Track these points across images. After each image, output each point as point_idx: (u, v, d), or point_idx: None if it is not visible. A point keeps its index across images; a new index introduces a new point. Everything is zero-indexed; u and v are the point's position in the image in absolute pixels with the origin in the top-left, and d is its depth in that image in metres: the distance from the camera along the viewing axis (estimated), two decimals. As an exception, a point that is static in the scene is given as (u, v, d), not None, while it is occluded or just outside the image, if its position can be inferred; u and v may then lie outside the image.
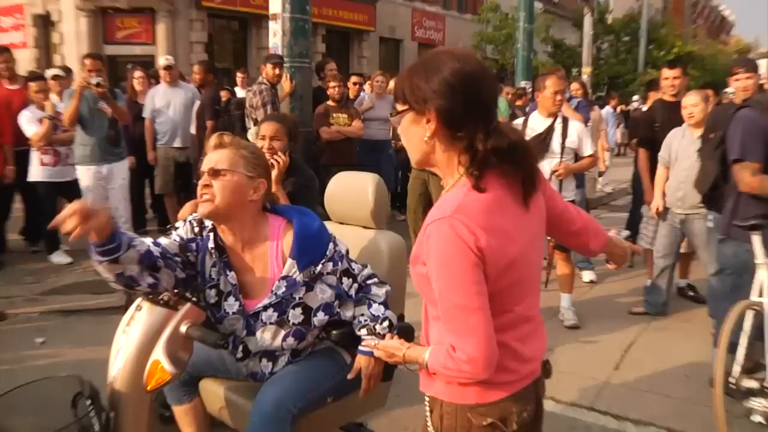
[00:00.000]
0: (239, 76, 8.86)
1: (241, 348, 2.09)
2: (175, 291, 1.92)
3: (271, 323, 2.02)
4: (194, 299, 1.87)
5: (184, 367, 1.84)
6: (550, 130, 4.30)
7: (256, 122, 5.47)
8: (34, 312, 4.64)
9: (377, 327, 2.04)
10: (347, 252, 2.10)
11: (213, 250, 2.04)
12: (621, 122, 14.26)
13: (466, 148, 1.35)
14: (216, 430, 2.31)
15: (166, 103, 6.44)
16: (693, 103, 4.23)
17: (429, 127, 1.36)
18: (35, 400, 1.78)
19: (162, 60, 6.69)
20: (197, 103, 6.26)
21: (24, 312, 4.62)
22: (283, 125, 3.20)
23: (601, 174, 9.00)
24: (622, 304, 4.91)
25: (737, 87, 3.98)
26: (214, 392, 2.24)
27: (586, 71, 15.78)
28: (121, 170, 5.54)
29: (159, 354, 1.78)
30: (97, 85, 5.12)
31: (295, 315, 2.01)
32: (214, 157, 1.99)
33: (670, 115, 4.66)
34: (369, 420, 2.73)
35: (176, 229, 2.54)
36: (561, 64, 20.75)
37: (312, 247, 1.99)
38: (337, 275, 2.03)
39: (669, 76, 4.89)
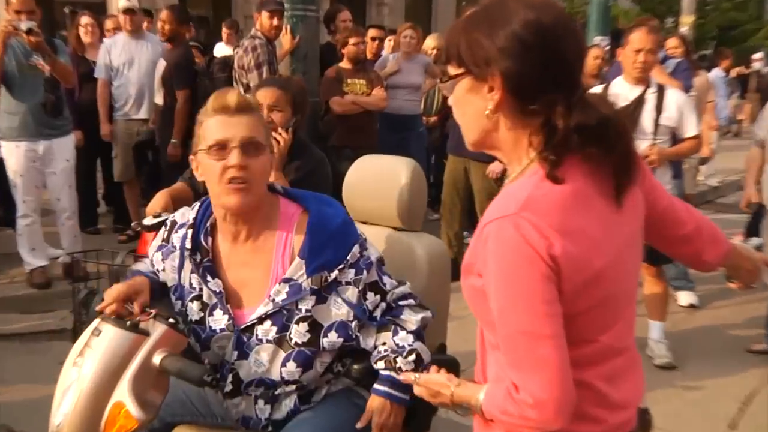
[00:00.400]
0: (225, 31, 8.89)
1: (230, 378, 2.11)
2: (146, 309, 1.95)
3: (268, 341, 2.04)
4: (172, 320, 1.89)
5: (156, 411, 1.86)
6: (639, 101, 4.29)
7: (247, 88, 5.50)
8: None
9: (399, 360, 2.05)
10: (380, 261, 2.12)
11: (189, 252, 2.10)
12: (735, 91, 14.08)
13: (541, 125, 1.37)
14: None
15: (128, 60, 6.50)
16: None
17: (492, 97, 1.38)
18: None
19: (122, 1, 6.72)
20: (161, 63, 6.28)
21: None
22: (285, 92, 3.24)
23: (704, 161, 8.91)
24: (736, 339, 4.89)
25: None
26: (191, 445, 2.26)
27: (687, 21, 15.58)
28: (63, 149, 5.51)
29: (123, 394, 1.79)
30: (29, 31, 4.94)
31: (299, 332, 2.03)
32: (239, 124, 2.01)
33: None
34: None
35: (145, 228, 2.59)
36: (651, 13, 20.57)
37: (329, 246, 2.02)
38: (360, 288, 2.05)
39: None
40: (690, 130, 4.33)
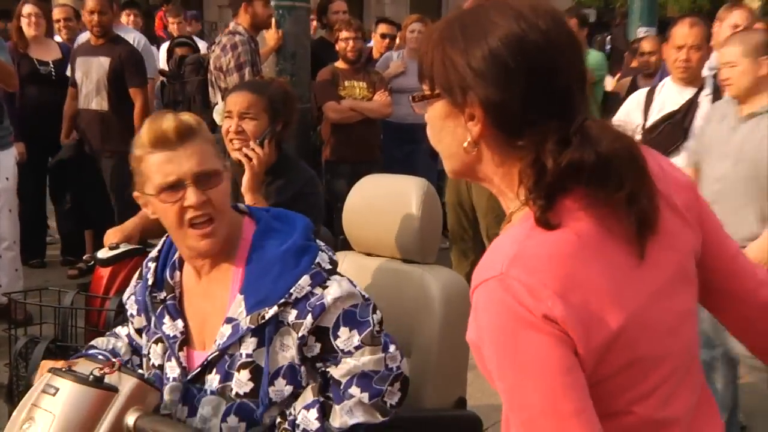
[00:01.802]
0: (172, 21, 8.87)
1: None
2: (113, 361, 1.94)
3: (212, 392, 2.05)
4: (142, 372, 1.90)
5: None
6: (690, 106, 4.33)
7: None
8: None
9: None
10: (365, 306, 2.07)
11: (149, 289, 2.17)
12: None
13: (531, 162, 1.32)
14: None
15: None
16: (730, 60, 3.79)
17: (472, 127, 1.36)
18: None
19: None
20: (100, 62, 6.23)
21: None
22: (260, 96, 3.23)
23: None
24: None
25: None
26: None
27: (753, 4, 15.59)
28: (2, 165, 5.49)
29: None
30: None
31: (240, 381, 2.03)
32: (187, 156, 2.02)
33: None
34: None
35: (100, 262, 2.64)
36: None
37: (267, 277, 2.03)
38: (300, 335, 2.02)
39: None
40: None
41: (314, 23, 7.36)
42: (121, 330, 2.37)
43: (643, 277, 1.36)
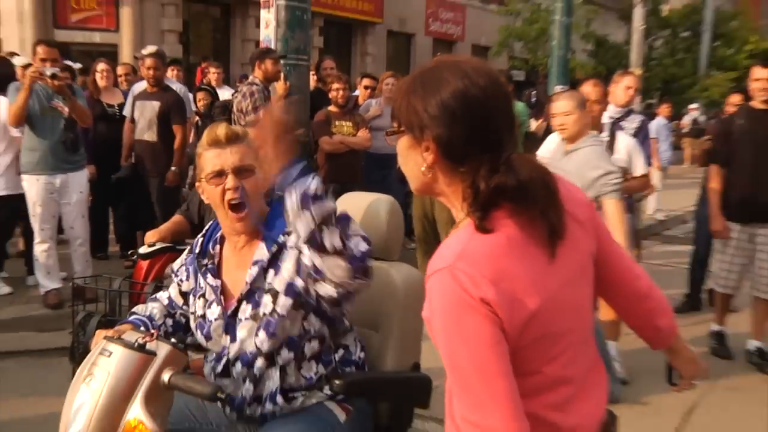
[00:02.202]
0: (213, 71, 8.85)
1: (224, 360, 2.13)
2: (151, 332, 1.93)
3: (246, 318, 2.08)
4: (173, 340, 1.89)
5: (165, 424, 1.84)
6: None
7: (245, 131, 5.55)
8: (-39, 353, 4.59)
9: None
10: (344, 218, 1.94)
11: (197, 256, 2.24)
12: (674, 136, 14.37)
13: (471, 184, 1.36)
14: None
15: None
16: (565, 111, 3.91)
17: (427, 157, 1.39)
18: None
19: (150, 48, 6.79)
20: (152, 104, 6.31)
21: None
22: None
23: (640, 198, 8.97)
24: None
25: None
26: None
27: (636, 71, 15.94)
28: (78, 182, 5.52)
29: (139, 411, 1.76)
30: (53, 76, 5.03)
31: (266, 304, 2.06)
32: (230, 153, 2.10)
33: (761, 125, 4.55)
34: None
35: (141, 256, 2.58)
36: (604, 66, 20.89)
37: (278, 220, 2.05)
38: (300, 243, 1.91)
39: (761, 77, 4.56)
40: (639, 169, 4.40)
41: (313, 77, 7.36)
42: (162, 294, 2.37)
43: (554, 272, 1.39)
